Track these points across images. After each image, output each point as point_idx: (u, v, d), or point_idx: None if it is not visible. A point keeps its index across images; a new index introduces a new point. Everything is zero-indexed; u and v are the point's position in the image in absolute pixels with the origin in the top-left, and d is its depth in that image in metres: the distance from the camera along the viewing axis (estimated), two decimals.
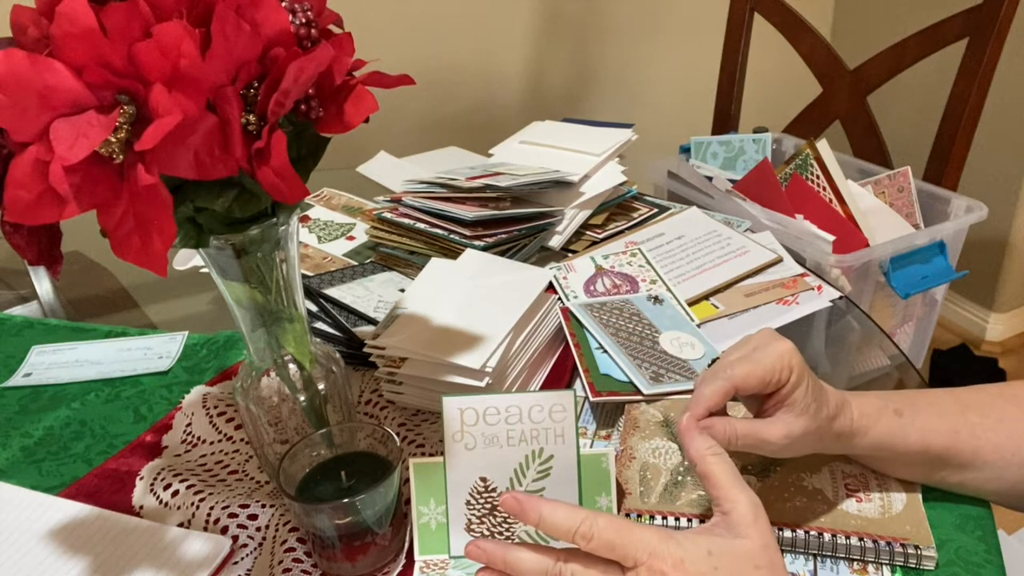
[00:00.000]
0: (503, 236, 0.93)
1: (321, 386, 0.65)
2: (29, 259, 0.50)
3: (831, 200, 1.26)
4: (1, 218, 0.45)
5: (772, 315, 0.84)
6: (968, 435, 0.58)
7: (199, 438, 0.76)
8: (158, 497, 0.68)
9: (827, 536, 0.57)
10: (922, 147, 1.35)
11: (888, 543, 0.57)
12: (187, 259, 1.02)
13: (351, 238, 1.09)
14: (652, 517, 0.60)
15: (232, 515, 0.65)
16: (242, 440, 0.74)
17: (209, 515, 0.65)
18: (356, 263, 1.01)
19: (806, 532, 0.58)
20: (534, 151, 1.09)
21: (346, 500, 0.56)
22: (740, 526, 0.49)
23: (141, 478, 0.71)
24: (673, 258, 0.94)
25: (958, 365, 1.99)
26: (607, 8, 2.00)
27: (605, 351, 0.77)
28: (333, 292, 0.92)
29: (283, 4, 0.47)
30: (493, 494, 0.61)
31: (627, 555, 0.47)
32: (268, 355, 0.63)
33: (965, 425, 0.59)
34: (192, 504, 0.66)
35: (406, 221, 0.96)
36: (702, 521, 0.59)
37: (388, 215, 0.98)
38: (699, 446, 0.52)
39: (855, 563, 0.57)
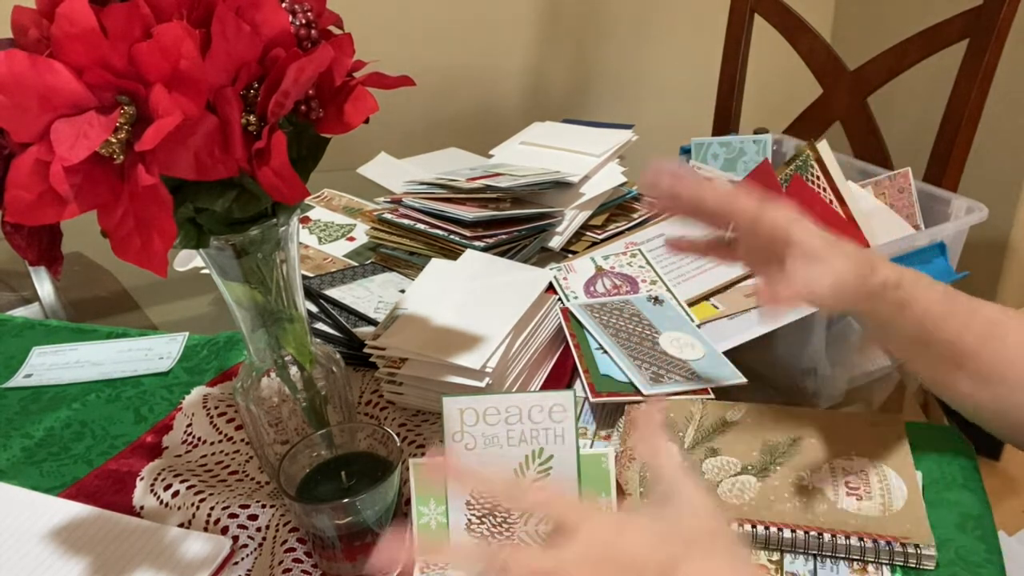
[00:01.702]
0: (503, 237, 0.93)
1: (321, 386, 0.65)
2: (29, 259, 0.51)
3: (832, 201, 1.26)
4: (2, 218, 0.45)
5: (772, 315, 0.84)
6: (999, 345, 0.59)
7: (199, 439, 0.76)
8: (158, 497, 0.68)
9: (827, 536, 0.57)
10: (922, 148, 1.35)
11: (888, 543, 0.56)
12: (187, 260, 1.02)
13: (351, 239, 1.09)
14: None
15: (232, 515, 0.65)
16: (242, 440, 0.74)
17: (209, 515, 0.65)
18: (356, 264, 1.01)
19: (806, 532, 0.58)
20: (534, 152, 1.09)
21: (346, 500, 0.56)
22: (685, 507, 0.45)
23: (142, 478, 0.71)
24: (673, 259, 0.94)
25: None
26: (607, 8, 2.00)
27: (605, 352, 0.77)
28: (333, 293, 0.92)
29: (283, 5, 0.47)
30: None
31: (567, 521, 0.44)
32: (268, 356, 0.63)
33: (993, 337, 0.59)
34: (192, 504, 0.66)
35: (406, 222, 0.96)
36: None
37: (388, 216, 0.98)
38: (648, 439, 0.48)
39: (855, 563, 0.57)
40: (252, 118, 0.45)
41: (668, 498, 0.46)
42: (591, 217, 1.02)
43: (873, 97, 1.42)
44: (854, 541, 0.57)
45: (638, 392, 0.72)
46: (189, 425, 0.77)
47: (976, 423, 0.62)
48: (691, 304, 0.86)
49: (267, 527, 0.64)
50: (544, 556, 0.42)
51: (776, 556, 0.59)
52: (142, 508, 0.68)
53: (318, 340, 0.69)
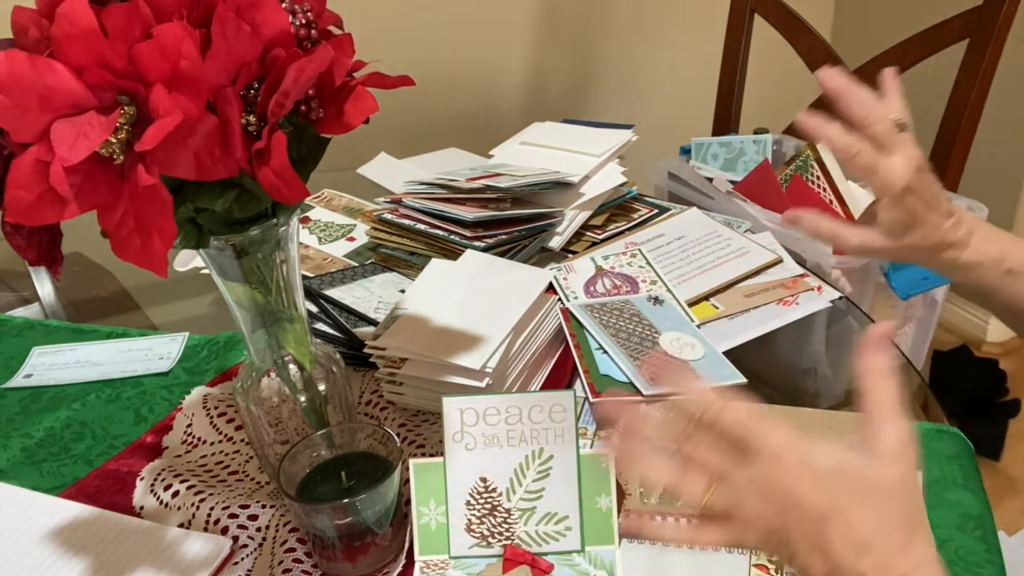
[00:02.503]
0: (503, 237, 0.93)
1: (321, 387, 0.65)
2: (29, 259, 0.51)
3: (831, 201, 1.26)
4: (2, 218, 0.45)
5: (772, 315, 0.84)
6: None
7: (199, 439, 0.76)
8: (158, 498, 0.68)
9: None
10: (922, 148, 1.35)
11: None
12: (188, 260, 1.02)
13: (351, 239, 1.09)
14: (652, 518, 0.60)
15: (232, 515, 0.65)
16: (242, 441, 0.74)
17: (209, 515, 0.65)
18: (356, 264, 1.02)
19: None
20: (534, 152, 1.09)
21: (346, 500, 0.56)
22: (879, 456, 0.45)
23: (142, 479, 0.71)
24: (673, 259, 0.94)
25: (959, 366, 1.99)
26: (607, 8, 2.00)
27: (605, 352, 0.77)
28: (333, 293, 0.92)
29: (283, 5, 0.47)
30: (493, 494, 0.61)
31: (753, 438, 0.46)
32: (268, 356, 0.63)
33: None
34: (192, 504, 0.66)
35: (406, 222, 0.96)
36: None
37: (388, 216, 0.98)
38: (869, 361, 0.47)
39: None
40: (252, 118, 0.45)
41: (866, 441, 0.45)
42: (591, 217, 1.02)
43: None
44: None
45: (638, 392, 0.72)
46: (189, 425, 0.77)
47: None
48: (691, 304, 0.86)
49: (267, 527, 0.64)
50: (724, 461, 0.46)
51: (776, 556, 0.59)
52: (142, 508, 0.68)
53: (318, 340, 0.69)
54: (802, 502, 0.44)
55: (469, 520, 0.61)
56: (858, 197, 1.29)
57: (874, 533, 0.44)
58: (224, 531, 0.64)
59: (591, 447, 0.71)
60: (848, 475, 0.45)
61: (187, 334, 0.90)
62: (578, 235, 1.01)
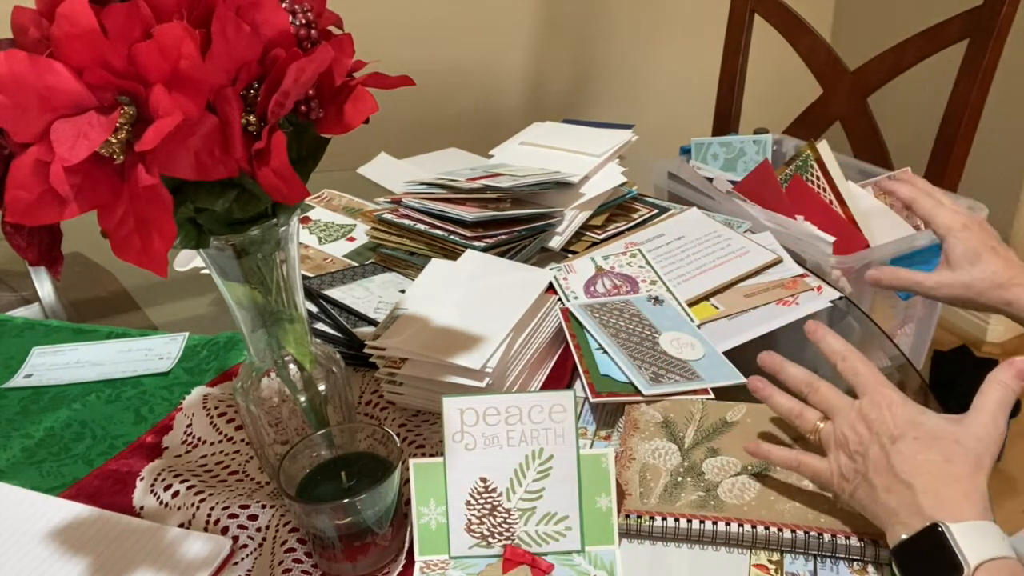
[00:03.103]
0: (503, 237, 0.93)
1: (321, 387, 0.65)
2: (29, 259, 0.51)
3: (831, 201, 1.26)
4: (2, 218, 0.45)
5: (772, 315, 0.84)
6: None
7: (199, 439, 0.76)
8: (158, 498, 0.68)
9: (827, 536, 0.58)
10: (922, 148, 1.35)
11: None
12: (188, 260, 1.02)
13: (351, 239, 1.09)
14: (652, 518, 0.60)
15: (232, 515, 0.65)
16: (242, 441, 0.74)
17: (209, 515, 0.65)
18: (356, 264, 1.02)
19: (806, 532, 0.58)
20: (534, 152, 1.09)
21: (346, 500, 0.56)
22: (968, 425, 0.54)
23: (142, 479, 0.71)
24: (673, 259, 0.94)
25: (959, 366, 1.99)
26: (607, 8, 2.00)
27: (605, 352, 0.77)
28: (333, 293, 0.92)
29: (283, 5, 0.47)
30: (493, 494, 0.61)
31: (858, 385, 0.58)
32: (268, 356, 0.63)
33: None
34: (192, 505, 0.66)
35: (406, 222, 0.96)
36: (702, 522, 0.59)
37: (388, 216, 0.98)
38: (1002, 373, 0.56)
39: (855, 563, 0.57)
40: (252, 118, 0.45)
41: (966, 417, 0.55)
42: (591, 217, 1.02)
43: (873, 97, 1.42)
44: (854, 541, 0.57)
45: (638, 392, 0.72)
46: (189, 425, 0.77)
47: None
48: (691, 304, 0.86)
49: (267, 527, 0.64)
50: (843, 399, 0.59)
51: (776, 556, 0.59)
52: (142, 508, 0.68)
53: (318, 340, 0.69)
54: (889, 424, 0.54)
55: (469, 520, 0.61)
56: (858, 197, 1.29)
57: (930, 459, 0.52)
58: (224, 531, 0.64)
59: (591, 447, 0.71)
60: (935, 415, 0.55)
61: (187, 334, 0.91)
62: (578, 235, 1.01)
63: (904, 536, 0.51)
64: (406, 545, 0.62)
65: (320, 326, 0.86)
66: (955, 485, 0.51)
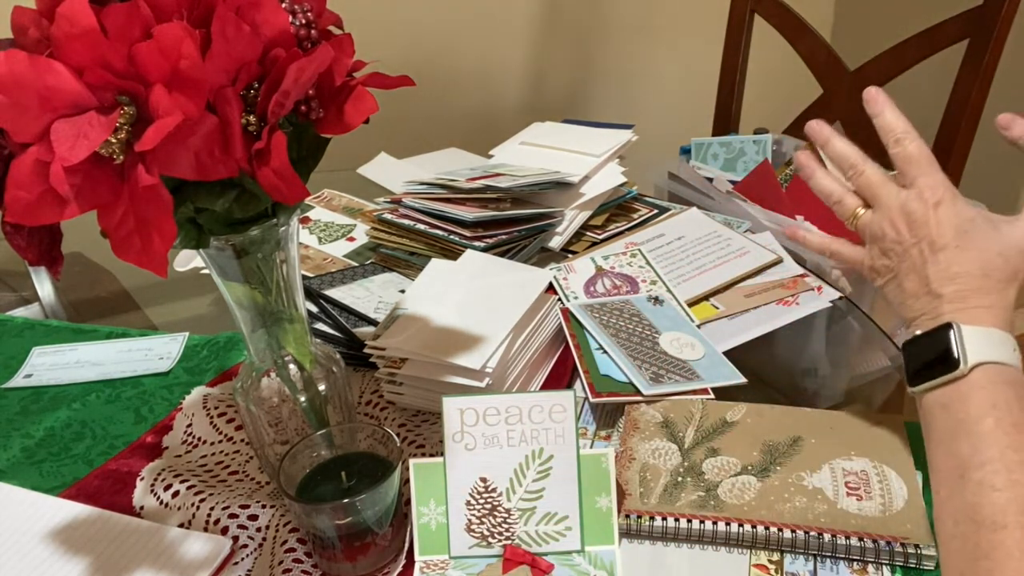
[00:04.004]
0: (503, 237, 0.93)
1: (321, 387, 0.65)
2: (29, 259, 0.51)
3: None
4: (2, 218, 0.45)
5: (772, 315, 0.84)
6: None
7: (199, 439, 0.76)
8: (158, 498, 0.68)
9: (827, 536, 0.58)
10: None
11: (888, 543, 0.56)
12: (188, 260, 1.02)
13: (351, 239, 1.09)
14: (652, 518, 0.60)
15: (232, 515, 0.65)
16: (242, 441, 0.74)
17: (209, 515, 0.65)
18: (356, 264, 1.02)
19: (806, 532, 0.58)
20: (534, 152, 1.09)
21: (346, 500, 0.56)
22: (1014, 223, 0.53)
23: (142, 479, 0.71)
24: (673, 259, 0.94)
25: None
26: (607, 8, 2.00)
27: (605, 352, 0.77)
28: (333, 293, 0.92)
29: (283, 5, 0.47)
30: (493, 494, 0.61)
31: (907, 174, 0.56)
32: (268, 356, 0.64)
33: None
34: (192, 505, 0.66)
35: (406, 222, 0.96)
36: (702, 522, 0.59)
37: (388, 216, 0.98)
38: None
39: (855, 563, 0.57)
40: (252, 118, 0.45)
41: (1016, 221, 0.53)
42: (591, 217, 1.02)
43: None
44: (854, 541, 0.57)
45: (638, 392, 0.72)
46: (189, 425, 0.77)
47: None
48: (691, 304, 0.86)
49: (267, 527, 0.64)
50: (885, 181, 0.56)
51: (776, 556, 0.59)
52: (142, 508, 0.68)
53: (318, 340, 0.69)
54: (932, 228, 0.53)
55: (469, 520, 0.61)
56: None
57: (968, 271, 0.51)
58: (224, 531, 0.64)
59: (591, 447, 0.71)
60: (982, 222, 0.53)
61: (187, 334, 0.91)
62: (578, 235, 1.01)
63: (918, 332, 0.52)
64: (406, 545, 0.62)
65: (320, 326, 0.86)
66: (984, 297, 0.51)
